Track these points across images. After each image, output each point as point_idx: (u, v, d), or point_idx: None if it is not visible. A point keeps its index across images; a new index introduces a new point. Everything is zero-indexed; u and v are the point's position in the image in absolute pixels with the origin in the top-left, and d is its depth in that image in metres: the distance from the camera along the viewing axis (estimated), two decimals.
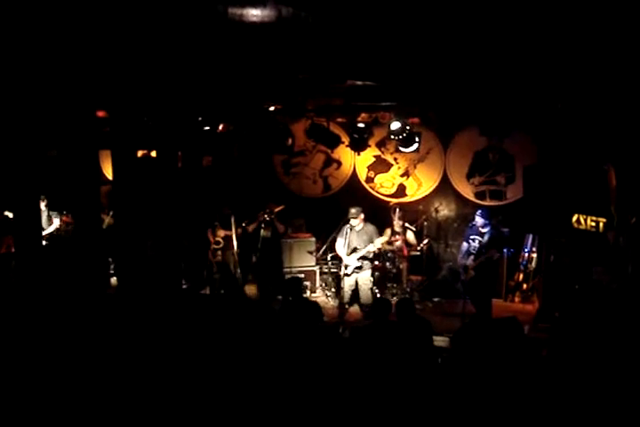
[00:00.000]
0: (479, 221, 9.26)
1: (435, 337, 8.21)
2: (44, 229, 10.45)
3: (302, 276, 11.13)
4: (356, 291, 9.99)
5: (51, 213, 10.70)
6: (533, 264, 10.98)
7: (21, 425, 4.36)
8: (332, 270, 11.33)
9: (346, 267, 9.73)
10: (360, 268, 9.75)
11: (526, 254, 11.08)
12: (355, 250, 9.69)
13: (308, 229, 11.83)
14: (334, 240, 10.10)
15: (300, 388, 4.59)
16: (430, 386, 4.55)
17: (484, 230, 9.22)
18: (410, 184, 12.26)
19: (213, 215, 10.85)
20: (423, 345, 6.10)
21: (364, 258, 9.74)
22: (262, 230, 10.60)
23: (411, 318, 6.56)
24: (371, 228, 9.78)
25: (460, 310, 8.93)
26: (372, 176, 12.39)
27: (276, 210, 10.80)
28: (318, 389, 4.54)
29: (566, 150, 9.06)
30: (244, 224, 10.80)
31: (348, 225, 9.64)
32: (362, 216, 9.65)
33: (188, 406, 4.48)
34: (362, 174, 12.42)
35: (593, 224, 8.15)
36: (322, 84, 8.48)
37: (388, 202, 11.83)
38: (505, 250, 10.20)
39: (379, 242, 9.60)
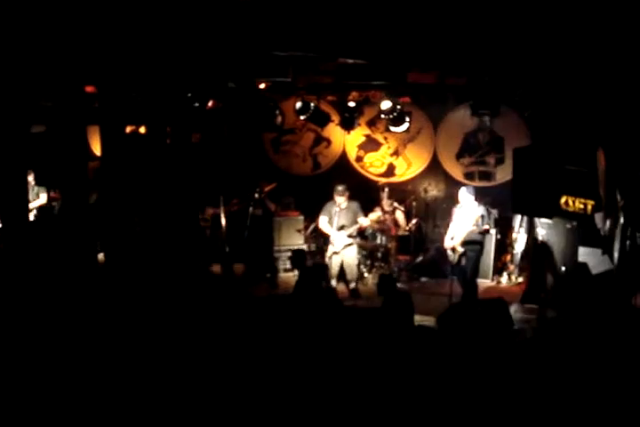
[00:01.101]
0: (463, 197, 9.23)
1: (421, 317, 8.28)
2: (29, 202, 10.38)
3: (291, 254, 11.17)
4: (342, 269, 10.03)
5: (39, 188, 10.63)
6: (521, 245, 11.01)
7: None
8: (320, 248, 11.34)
9: (333, 244, 9.81)
10: (350, 245, 9.83)
11: (514, 236, 11.11)
12: (342, 227, 9.74)
13: (296, 208, 11.81)
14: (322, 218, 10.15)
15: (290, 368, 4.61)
16: (416, 367, 4.57)
17: (469, 209, 9.20)
18: (399, 164, 12.24)
19: (202, 193, 10.79)
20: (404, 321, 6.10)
21: (350, 237, 9.80)
22: (253, 209, 10.56)
23: (392, 294, 6.62)
24: (354, 205, 9.86)
25: (448, 290, 8.98)
26: (362, 155, 12.36)
27: (267, 189, 10.77)
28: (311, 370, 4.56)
29: (556, 132, 9.06)
30: (233, 202, 10.76)
31: (335, 203, 9.71)
32: (347, 194, 9.72)
33: (182, 389, 4.48)
34: (352, 153, 12.39)
35: (581, 206, 8.16)
36: (313, 61, 8.43)
37: (378, 181, 11.81)
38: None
39: (371, 217, 9.71)
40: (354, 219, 9.74)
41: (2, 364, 4.88)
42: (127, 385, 4.56)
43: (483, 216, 9.13)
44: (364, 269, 10.90)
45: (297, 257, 7.67)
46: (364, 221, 9.75)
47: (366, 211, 10.18)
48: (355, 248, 10.00)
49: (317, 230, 10.66)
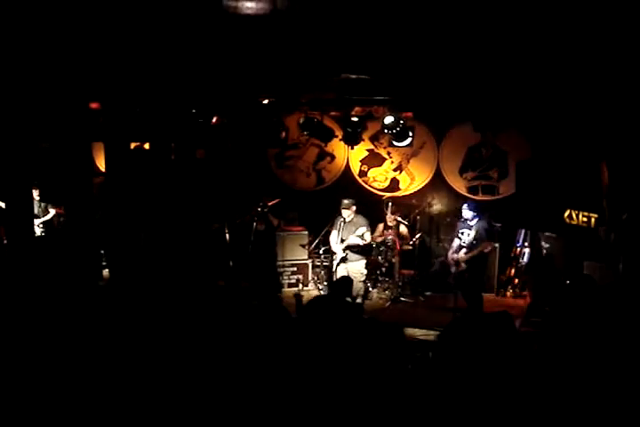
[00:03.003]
0: (467, 213, 9.25)
1: (425, 331, 8.27)
2: (38, 218, 10.43)
3: (295, 269, 11.18)
4: None
5: (47, 203, 10.70)
6: (525, 259, 11.02)
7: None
8: (325, 264, 11.33)
9: (334, 258, 9.79)
10: (345, 259, 9.72)
11: (518, 249, 11.12)
12: (342, 241, 9.70)
13: (300, 223, 11.83)
14: (329, 233, 10.12)
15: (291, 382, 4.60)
16: (419, 380, 4.57)
17: (472, 223, 9.22)
18: (403, 178, 12.27)
19: (206, 208, 10.82)
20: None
21: (351, 249, 9.71)
22: (256, 224, 10.58)
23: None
24: (360, 220, 9.76)
25: (452, 304, 8.97)
26: (366, 170, 12.39)
27: (270, 204, 10.78)
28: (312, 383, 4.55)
29: (559, 146, 9.09)
30: (237, 221, 10.78)
31: (342, 217, 9.68)
32: (354, 208, 9.66)
33: (187, 404, 4.48)
34: (355, 168, 12.42)
35: (585, 219, 8.19)
36: (316, 77, 8.47)
37: (381, 196, 11.84)
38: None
39: (361, 233, 9.55)
40: (354, 233, 9.67)
41: (6, 379, 4.88)
42: (131, 399, 4.56)
43: (482, 232, 9.15)
44: (369, 284, 10.90)
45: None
46: (353, 239, 9.59)
47: (371, 225, 10.14)
48: (361, 263, 9.92)
49: (327, 244, 10.61)
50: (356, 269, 9.84)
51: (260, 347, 5.11)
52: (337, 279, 8.72)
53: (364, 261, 9.91)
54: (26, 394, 4.66)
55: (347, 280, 7.62)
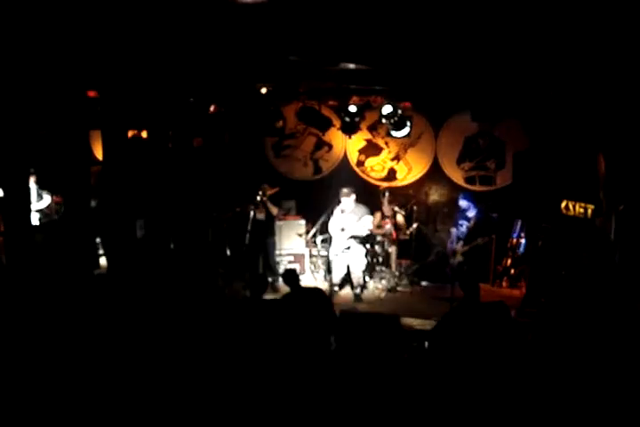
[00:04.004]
0: (463, 204, 9.32)
1: (422, 321, 8.31)
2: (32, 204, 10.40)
3: (292, 258, 11.18)
4: (345, 273, 10.05)
5: (42, 191, 10.66)
6: (521, 249, 11.03)
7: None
8: (322, 253, 11.34)
9: (335, 248, 9.81)
10: (348, 248, 9.79)
11: (515, 240, 11.13)
12: (343, 230, 9.73)
13: (297, 212, 11.83)
14: (327, 222, 10.14)
15: (290, 371, 4.62)
16: (416, 370, 4.59)
17: (470, 214, 9.27)
18: (400, 168, 12.27)
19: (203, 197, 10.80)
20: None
21: (353, 238, 9.78)
22: (255, 212, 10.56)
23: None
24: (362, 208, 9.84)
25: (449, 294, 8.99)
26: (363, 160, 12.39)
27: (269, 192, 10.77)
28: (310, 372, 4.57)
29: (556, 137, 9.10)
30: (237, 209, 10.77)
31: (341, 206, 9.71)
32: (354, 196, 9.72)
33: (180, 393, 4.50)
34: (353, 158, 12.42)
35: (581, 210, 8.22)
36: (314, 66, 8.45)
37: (379, 186, 11.84)
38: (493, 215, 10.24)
39: (368, 222, 9.64)
40: (358, 222, 9.72)
41: (5, 367, 4.90)
42: (127, 388, 4.58)
43: (479, 224, 9.20)
44: (366, 274, 10.93)
45: (290, 276, 7.64)
46: (360, 228, 9.69)
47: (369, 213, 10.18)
48: (361, 252, 9.98)
49: (325, 233, 10.62)
50: (357, 259, 9.90)
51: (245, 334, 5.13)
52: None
53: (364, 251, 10.00)
54: (24, 379, 4.68)
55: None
